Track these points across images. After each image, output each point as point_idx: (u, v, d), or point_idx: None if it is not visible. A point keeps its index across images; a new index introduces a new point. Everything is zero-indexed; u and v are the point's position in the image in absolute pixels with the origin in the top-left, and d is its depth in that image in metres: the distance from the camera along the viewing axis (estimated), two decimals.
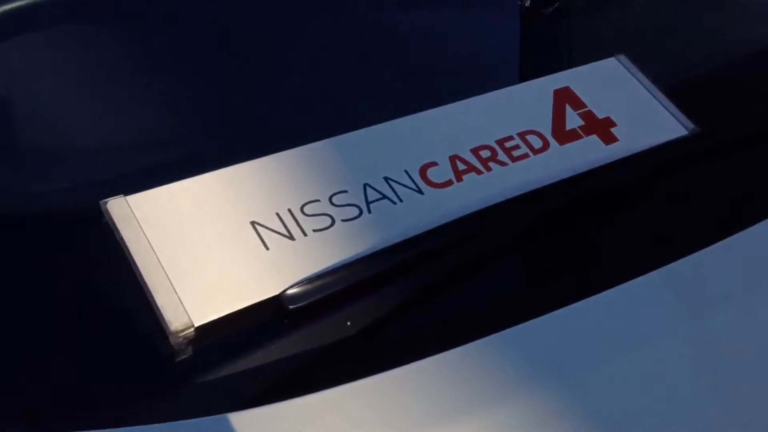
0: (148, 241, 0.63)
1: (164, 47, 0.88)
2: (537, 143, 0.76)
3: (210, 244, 0.64)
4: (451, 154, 0.74)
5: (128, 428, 0.55)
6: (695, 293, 0.68)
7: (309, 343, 0.62)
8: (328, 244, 0.65)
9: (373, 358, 0.61)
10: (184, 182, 0.68)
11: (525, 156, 0.75)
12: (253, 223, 0.66)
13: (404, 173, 0.72)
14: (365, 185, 0.70)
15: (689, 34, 1.00)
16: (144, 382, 0.59)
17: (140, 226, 0.64)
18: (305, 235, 0.66)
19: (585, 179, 0.74)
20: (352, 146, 0.73)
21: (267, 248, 0.64)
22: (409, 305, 0.66)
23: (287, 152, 0.71)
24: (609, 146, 0.78)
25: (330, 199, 0.69)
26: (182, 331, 0.59)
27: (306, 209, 0.67)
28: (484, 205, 0.70)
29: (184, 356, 0.60)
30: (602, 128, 0.79)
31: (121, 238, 0.63)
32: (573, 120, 0.79)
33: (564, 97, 0.81)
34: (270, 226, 0.66)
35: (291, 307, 0.62)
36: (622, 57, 0.86)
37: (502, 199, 0.71)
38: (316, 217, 0.67)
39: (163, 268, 0.62)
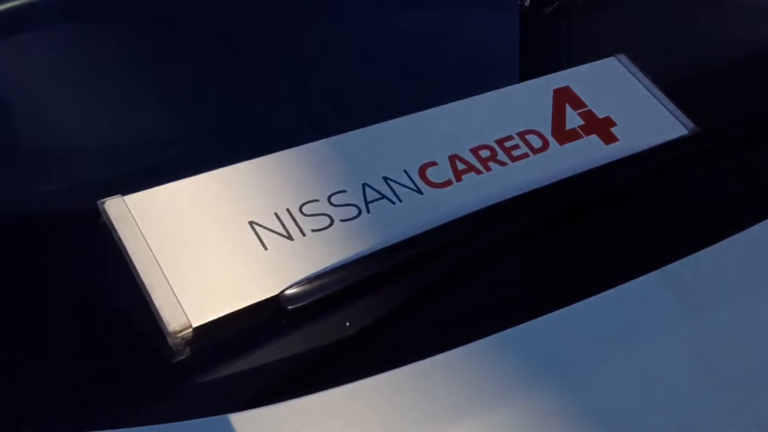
0: (146, 241, 0.63)
1: (163, 47, 0.88)
2: (537, 143, 0.76)
3: (208, 244, 0.64)
4: (450, 153, 0.74)
5: (127, 429, 0.54)
6: (695, 293, 0.68)
7: (308, 343, 0.62)
8: (326, 244, 0.65)
9: (372, 359, 0.61)
10: (182, 182, 0.67)
11: (525, 156, 0.75)
12: (251, 223, 0.66)
13: (403, 173, 0.72)
14: (364, 185, 0.70)
15: (689, 34, 1.00)
16: (142, 383, 0.59)
17: (138, 226, 0.64)
18: (304, 235, 0.66)
19: (585, 179, 0.74)
20: (351, 146, 0.73)
21: (265, 248, 0.64)
22: (409, 305, 0.66)
23: (286, 152, 0.71)
24: (609, 146, 0.78)
25: (329, 198, 0.68)
26: (180, 331, 0.59)
27: (305, 209, 0.67)
28: (483, 205, 0.70)
29: (182, 357, 0.60)
30: (602, 128, 0.79)
31: (119, 238, 0.63)
32: (573, 120, 0.79)
33: (564, 97, 0.81)
34: (268, 226, 0.66)
35: (290, 307, 0.61)
36: (622, 57, 0.86)
37: (501, 198, 0.71)
38: (314, 217, 0.67)
39: (160, 268, 0.61)
